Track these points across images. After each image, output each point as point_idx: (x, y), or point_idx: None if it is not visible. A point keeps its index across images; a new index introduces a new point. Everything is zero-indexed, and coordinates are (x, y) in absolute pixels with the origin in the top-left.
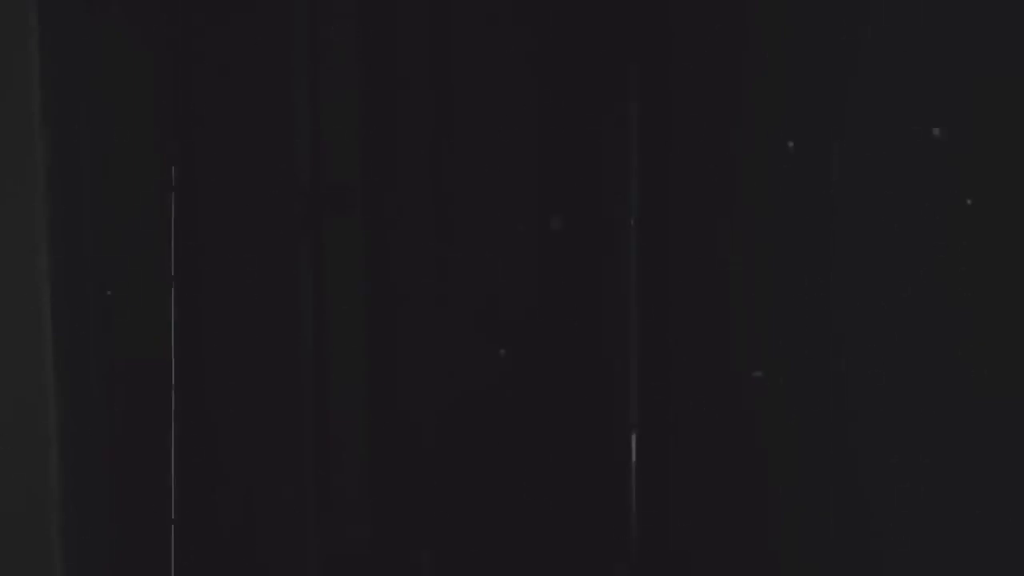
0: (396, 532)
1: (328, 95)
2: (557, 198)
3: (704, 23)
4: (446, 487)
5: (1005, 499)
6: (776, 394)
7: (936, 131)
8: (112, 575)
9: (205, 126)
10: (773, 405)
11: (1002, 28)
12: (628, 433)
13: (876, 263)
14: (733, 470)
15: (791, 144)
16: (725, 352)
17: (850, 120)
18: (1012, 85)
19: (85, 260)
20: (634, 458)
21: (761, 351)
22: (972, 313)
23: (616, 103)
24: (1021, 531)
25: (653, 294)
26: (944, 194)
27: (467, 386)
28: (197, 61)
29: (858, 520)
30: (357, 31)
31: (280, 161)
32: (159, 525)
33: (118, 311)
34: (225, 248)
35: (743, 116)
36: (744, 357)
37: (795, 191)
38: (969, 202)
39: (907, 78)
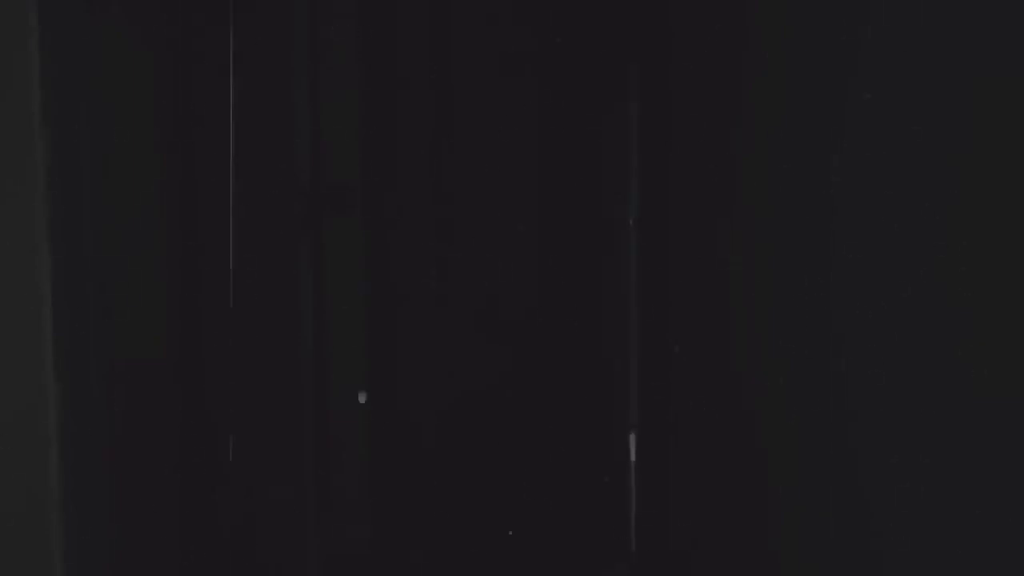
0: (396, 532)
1: (328, 95)
2: (557, 198)
3: (704, 23)
4: (446, 487)
5: (1005, 499)
6: (776, 394)
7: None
8: (112, 575)
9: (205, 126)
10: (773, 405)
11: (1002, 28)
12: (628, 433)
13: (876, 263)
14: (733, 470)
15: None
16: (725, 352)
17: (850, 120)
18: (1012, 85)
19: (85, 260)
20: (634, 458)
21: (761, 351)
22: (972, 313)
23: (616, 103)
24: (1021, 531)
25: (653, 294)
26: (944, 194)
27: (467, 386)
28: (197, 61)
29: (858, 520)
30: (357, 31)
31: (280, 161)
32: (159, 525)
33: (118, 311)
34: (225, 248)
35: (743, 116)
36: (744, 357)
37: (795, 191)
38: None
39: (907, 78)
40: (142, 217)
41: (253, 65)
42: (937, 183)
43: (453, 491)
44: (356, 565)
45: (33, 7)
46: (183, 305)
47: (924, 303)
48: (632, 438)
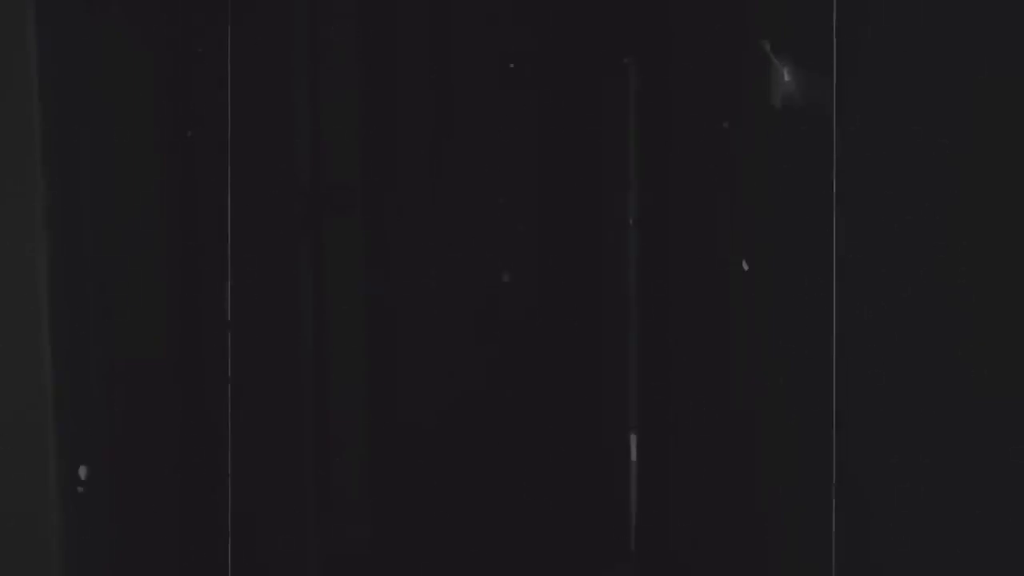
0: (396, 532)
1: (328, 95)
2: (557, 198)
3: (704, 22)
4: (446, 487)
5: (1005, 499)
6: (776, 394)
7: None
8: (112, 575)
9: (205, 126)
10: (773, 405)
11: (1002, 28)
12: (628, 433)
13: (876, 263)
14: (733, 470)
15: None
16: (725, 352)
17: (850, 120)
18: (1012, 85)
19: (85, 260)
20: (634, 458)
21: (761, 351)
22: (972, 313)
23: (616, 103)
24: (1021, 531)
25: (653, 294)
26: (944, 194)
27: (467, 386)
28: (197, 61)
29: (858, 520)
30: (357, 31)
31: (280, 161)
32: (159, 525)
33: (118, 311)
34: (224, 248)
35: (743, 116)
36: (744, 356)
37: (795, 190)
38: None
39: (907, 78)
40: (142, 217)
41: (253, 65)
42: (937, 183)
43: (453, 491)
44: (356, 565)
45: (32, 7)
46: (183, 305)
47: (924, 303)
48: (632, 438)
